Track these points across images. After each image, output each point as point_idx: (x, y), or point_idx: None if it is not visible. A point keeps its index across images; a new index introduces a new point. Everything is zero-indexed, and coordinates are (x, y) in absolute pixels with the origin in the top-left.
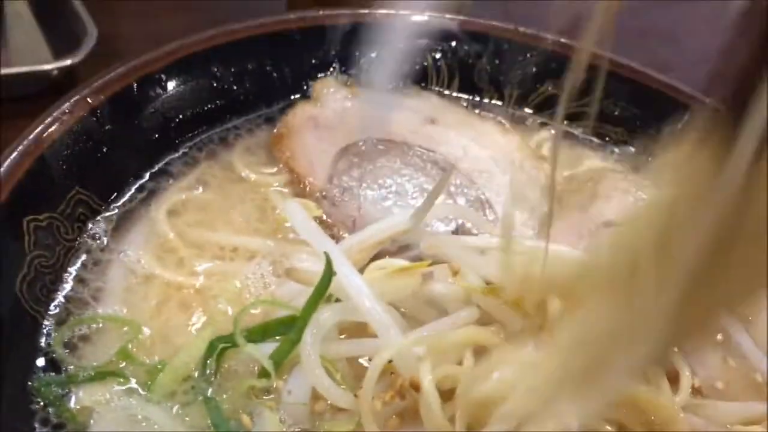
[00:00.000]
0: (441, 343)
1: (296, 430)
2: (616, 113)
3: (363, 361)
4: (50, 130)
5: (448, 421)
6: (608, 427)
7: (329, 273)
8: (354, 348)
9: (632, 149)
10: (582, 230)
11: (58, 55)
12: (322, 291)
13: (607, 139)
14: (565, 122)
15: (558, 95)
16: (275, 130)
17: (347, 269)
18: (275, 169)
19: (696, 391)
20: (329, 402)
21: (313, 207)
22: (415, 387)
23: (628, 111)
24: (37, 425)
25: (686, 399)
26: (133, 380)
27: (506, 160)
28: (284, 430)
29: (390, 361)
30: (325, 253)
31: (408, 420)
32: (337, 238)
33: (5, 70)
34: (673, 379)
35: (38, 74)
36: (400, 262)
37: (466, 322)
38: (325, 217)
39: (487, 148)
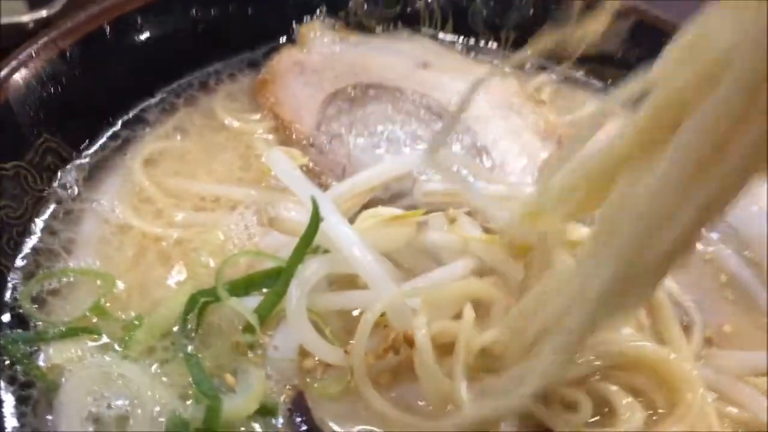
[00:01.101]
0: (437, 295)
1: (285, 387)
2: (619, 55)
3: (356, 314)
4: (16, 75)
5: (445, 376)
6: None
7: (316, 219)
8: (344, 300)
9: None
10: None
11: (33, 7)
12: (309, 239)
13: (609, 81)
14: (564, 65)
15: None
16: (259, 76)
17: (336, 217)
18: (259, 116)
19: (708, 341)
20: (318, 358)
21: (298, 155)
22: (410, 342)
23: (631, 52)
24: (2, 384)
25: (698, 349)
26: (108, 337)
27: (504, 105)
28: (271, 387)
29: (383, 314)
30: (312, 197)
31: (402, 376)
32: (325, 187)
33: None
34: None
35: (13, 27)
36: (393, 211)
37: (464, 273)
38: (312, 165)
39: (483, 92)
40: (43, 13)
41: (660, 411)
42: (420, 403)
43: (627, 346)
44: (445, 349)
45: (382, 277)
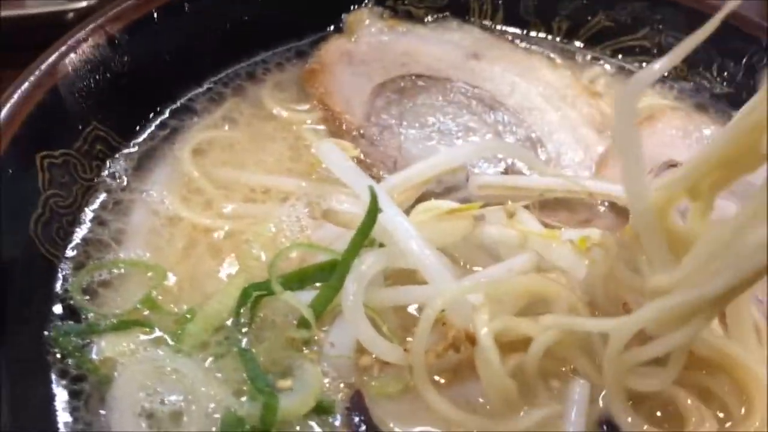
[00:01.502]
0: (499, 290)
1: (341, 385)
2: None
3: (412, 310)
4: (64, 60)
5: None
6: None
7: (375, 210)
8: (402, 296)
9: (692, 85)
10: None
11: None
12: (366, 231)
13: (665, 74)
14: (619, 56)
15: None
16: (307, 65)
17: (393, 209)
18: (308, 106)
19: None
20: (375, 356)
21: (349, 147)
22: (471, 339)
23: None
24: (54, 377)
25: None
26: (160, 330)
27: (557, 97)
28: (327, 385)
29: (442, 311)
30: (370, 187)
31: (463, 375)
32: (377, 179)
33: (17, 11)
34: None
35: (52, 17)
36: (449, 204)
37: (524, 269)
38: (363, 156)
39: (535, 85)
40: (83, 3)
41: (731, 417)
42: (482, 401)
43: (714, 344)
44: (507, 347)
45: (442, 272)
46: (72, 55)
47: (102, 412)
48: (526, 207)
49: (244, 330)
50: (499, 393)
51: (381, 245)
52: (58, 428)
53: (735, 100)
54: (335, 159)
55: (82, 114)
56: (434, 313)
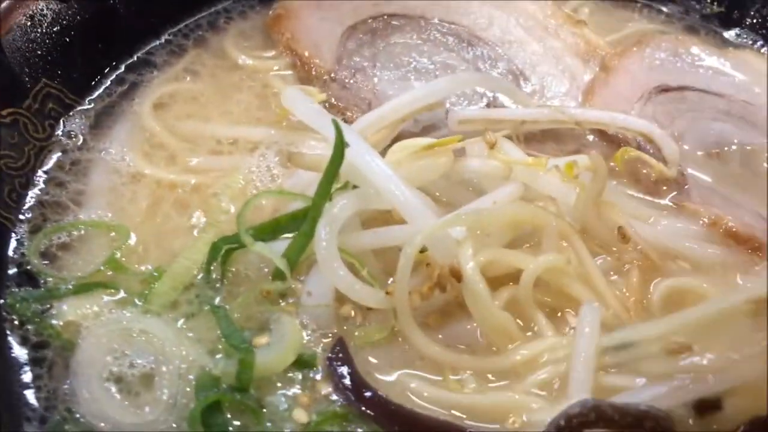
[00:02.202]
0: (482, 222)
1: (322, 336)
2: None
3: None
4: (8, 15)
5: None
6: None
7: (341, 145)
8: (380, 237)
9: (682, 8)
10: (632, 96)
11: None
12: (335, 168)
13: None
14: None
15: None
16: (272, 11)
17: (363, 148)
18: (274, 53)
19: None
20: (356, 302)
21: (315, 92)
22: (457, 276)
23: None
24: (14, 344)
25: None
26: (126, 292)
27: (539, 27)
28: (307, 337)
29: (424, 250)
30: (334, 120)
31: (452, 315)
32: (351, 123)
33: None
34: None
35: None
36: (426, 140)
37: (510, 200)
38: (335, 101)
39: (515, 16)
40: None
41: None
42: (474, 340)
43: None
44: (497, 282)
45: (420, 209)
46: (16, 10)
47: (67, 379)
48: (509, 138)
49: (216, 286)
50: (495, 328)
51: (355, 187)
52: (20, 398)
53: (726, 19)
54: (301, 105)
55: (30, 71)
56: (414, 250)
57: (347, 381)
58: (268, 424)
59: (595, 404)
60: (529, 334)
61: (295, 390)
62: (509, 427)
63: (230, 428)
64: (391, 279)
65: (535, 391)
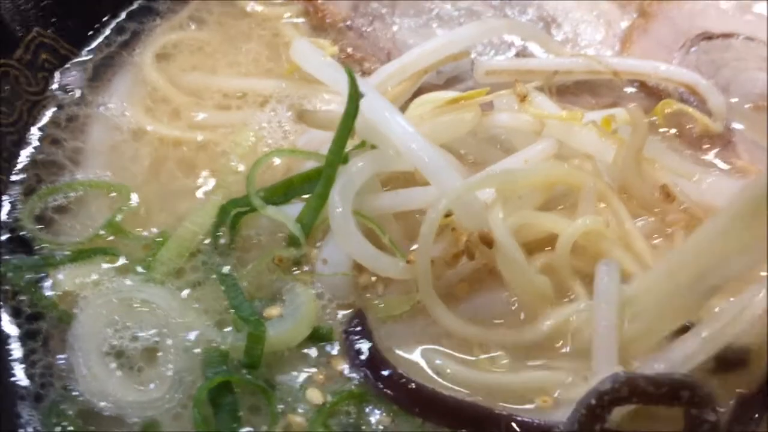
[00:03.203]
0: (514, 183)
1: (340, 307)
2: None
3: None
4: None
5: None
6: None
7: (355, 96)
8: (401, 200)
9: None
10: (673, 44)
11: None
12: (349, 123)
13: None
14: None
15: None
16: None
17: (382, 104)
18: None
19: None
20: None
21: (326, 45)
22: (487, 242)
23: None
24: (6, 317)
25: None
26: (127, 258)
27: None
28: (324, 308)
29: (449, 214)
30: (347, 69)
31: (481, 284)
32: (368, 75)
33: None
34: None
35: None
36: (450, 94)
37: (543, 158)
38: (351, 50)
39: None
40: None
41: None
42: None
43: None
44: (530, 247)
45: (445, 169)
46: None
47: (63, 353)
48: (541, 90)
49: (225, 253)
50: (532, 293)
51: (374, 147)
52: (13, 374)
53: None
54: (311, 58)
55: (21, 19)
56: (438, 215)
57: (365, 357)
58: (281, 407)
59: (628, 378)
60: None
61: (310, 367)
62: (541, 405)
63: (240, 409)
64: (414, 245)
65: (566, 365)
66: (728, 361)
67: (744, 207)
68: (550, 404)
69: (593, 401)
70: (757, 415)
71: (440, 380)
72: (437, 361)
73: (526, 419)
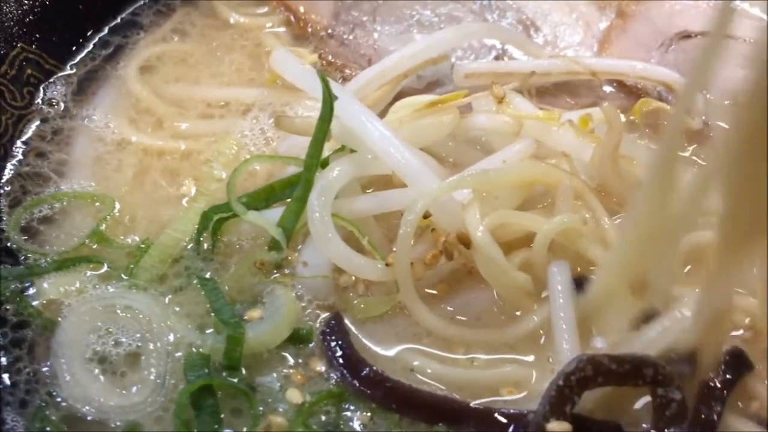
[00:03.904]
0: (490, 182)
1: (320, 308)
2: None
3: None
4: None
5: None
6: None
7: (329, 100)
8: (378, 203)
9: None
10: (651, 43)
11: None
12: (325, 126)
13: None
14: None
15: None
16: None
17: (358, 108)
18: (266, 9)
19: None
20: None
21: (306, 54)
22: (465, 242)
23: None
24: None
25: None
26: (111, 266)
27: None
28: (304, 309)
29: (428, 216)
30: (319, 74)
31: (460, 284)
32: (350, 80)
33: None
34: None
35: None
36: (429, 97)
37: (521, 158)
38: (332, 58)
39: None
40: None
41: None
42: (486, 309)
43: None
44: (507, 247)
45: (422, 171)
46: None
47: (47, 360)
48: (519, 92)
49: (207, 258)
50: (513, 290)
51: (353, 152)
52: None
53: None
54: (290, 65)
55: (5, 35)
56: (416, 217)
57: (341, 358)
58: (261, 408)
59: (590, 357)
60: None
61: (289, 368)
62: (506, 396)
63: (221, 411)
64: (395, 247)
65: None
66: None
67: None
68: (516, 393)
69: (561, 382)
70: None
71: (418, 377)
72: (416, 362)
73: (501, 410)
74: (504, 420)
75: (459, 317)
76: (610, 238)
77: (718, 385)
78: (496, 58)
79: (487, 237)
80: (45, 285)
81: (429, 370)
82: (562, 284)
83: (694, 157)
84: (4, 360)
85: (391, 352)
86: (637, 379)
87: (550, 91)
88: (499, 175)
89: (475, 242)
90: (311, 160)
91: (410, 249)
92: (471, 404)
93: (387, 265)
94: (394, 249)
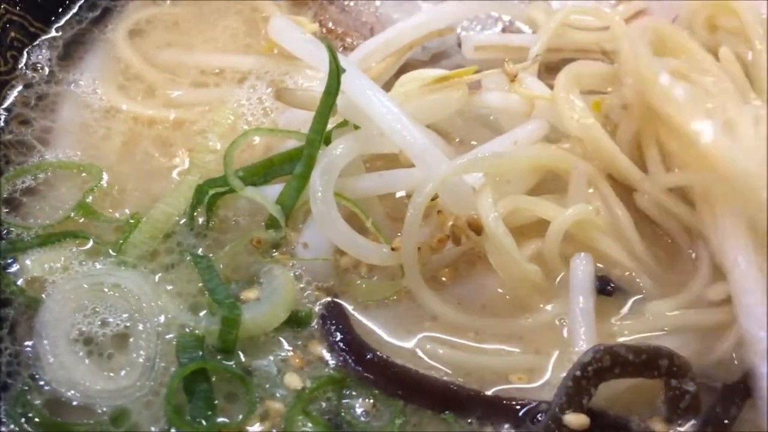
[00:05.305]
0: (503, 167)
1: (320, 290)
2: None
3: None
4: None
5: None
6: None
7: (336, 72)
8: (384, 182)
9: None
10: None
11: None
12: (331, 100)
13: None
14: None
15: None
16: None
17: (364, 82)
18: None
19: None
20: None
21: (306, 22)
22: (475, 228)
23: None
24: None
25: None
26: (98, 241)
27: None
28: (302, 290)
29: (435, 198)
30: (326, 43)
31: (467, 269)
32: (351, 51)
33: None
34: None
35: None
36: (438, 72)
37: (533, 140)
38: (332, 26)
39: None
40: None
41: None
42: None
43: None
44: (517, 232)
45: (431, 151)
46: None
47: (30, 341)
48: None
49: (200, 234)
50: (521, 282)
51: (357, 128)
52: None
53: None
54: (290, 34)
55: None
56: (424, 200)
57: (342, 343)
58: (258, 393)
59: (607, 347)
60: None
61: (287, 351)
62: (517, 383)
63: (215, 397)
64: (399, 226)
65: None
66: None
67: None
68: (526, 381)
69: (578, 373)
70: (738, 401)
71: (423, 362)
72: (421, 346)
73: (511, 399)
74: (514, 409)
75: (464, 304)
76: (623, 228)
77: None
78: (504, 30)
79: (500, 225)
80: (28, 262)
81: (436, 354)
82: (584, 274)
83: None
84: None
85: (394, 337)
86: (652, 370)
87: (559, 67)
88: (513, 158)
89: (488, 229)
90: (315, 135)
91: (418, 233)
92: (482, 393)
93: (393, 249)
94: (399, 232)
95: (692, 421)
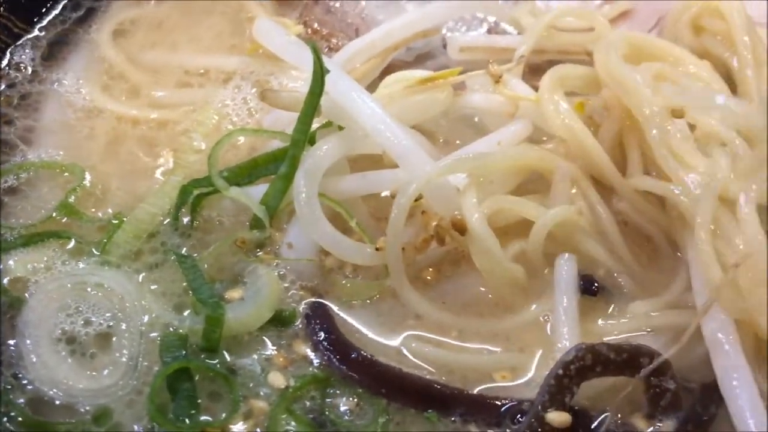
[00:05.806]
0: (487, 167)
1: (304, 290)
2: None
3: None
4: None
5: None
6: None
7: (320, 72)
8: (368, 183)
9: None
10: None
11: None
12: (315, 100)
13: None
14: None
15: None
16: None
17: (348, 83)
18: None
19: None
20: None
21: (290, 24)
22: (459, 228)
23: None
24: None
25: None
26: (81, 241)
27: None
28: (287, 289)
29: (419, 198)
30: (311, 44)
31: (452, 269)
32: (336, 51)
33: None
34: None
35: None
36: (422, 73)
37: (516, 141)
38: (317, 26)
39: None
40: None
41: None
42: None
43: None
44: (500, 233)
45: (415, 151)
46: None
47: (12, 341)
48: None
49: (184, 234)
50: (505, 282)
51: (342, 129)
52: None
53: None
54: (274, 36)
55: None
56: (408, 200)
57: (326, 342)
58: (242, 392)
59: (589, 346)
60: None
61: (271, 350)
62: (501, 381)
63: (198, 395)
64: (383, 226)
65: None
66: None
67: None
68: (510, 380)
69: (561, 371)
70: (717, 399)
71: (407, 360)
72: (405, 344)
73: (494, 397)
74: (497, 407)
75: (449, 303)
76: (605, 228)
77: None
78: (489, 31)
79: (485, 225)
80: (11, 262)
81: (421, 352)
82: (568, 274)
83: None
84: None
85: (379, 335)
86: (633, 369)
87: (543, 68)
88: (497, 159)
89: (472, 230)
90: (299, 135)
91: (402, 233)
92: (465, 391)
93: (377, 249)
94: (384, 233)
95: (673, 419)
